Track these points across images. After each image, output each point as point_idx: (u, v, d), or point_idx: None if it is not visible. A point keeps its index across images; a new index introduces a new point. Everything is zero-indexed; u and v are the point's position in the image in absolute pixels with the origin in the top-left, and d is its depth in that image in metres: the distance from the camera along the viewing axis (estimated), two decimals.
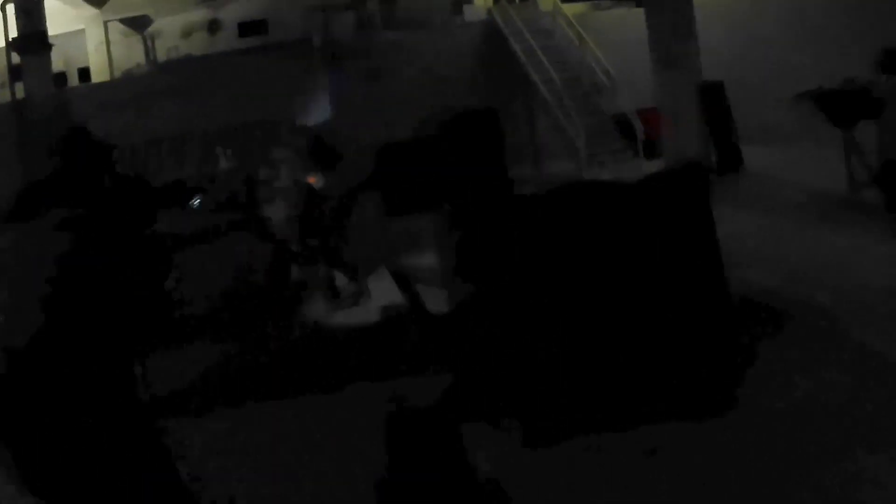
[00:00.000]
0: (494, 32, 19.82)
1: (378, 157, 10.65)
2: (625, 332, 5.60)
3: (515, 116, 19.22)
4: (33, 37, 20.09)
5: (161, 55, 26.29)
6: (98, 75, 24.82)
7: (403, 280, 9.98)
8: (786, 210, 11.75)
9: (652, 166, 16.87)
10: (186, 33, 26.76)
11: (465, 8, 22.27)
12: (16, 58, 20.83)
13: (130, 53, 26.52)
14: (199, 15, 26.62)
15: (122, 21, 25.57)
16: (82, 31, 24.68)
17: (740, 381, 5.80)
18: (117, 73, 25.30)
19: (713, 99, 16.15)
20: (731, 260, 8.84)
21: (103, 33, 24.42)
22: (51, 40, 23.77)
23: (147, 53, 26.60)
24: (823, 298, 7.47)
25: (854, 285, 7.72)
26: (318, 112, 15.80)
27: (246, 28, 26.43)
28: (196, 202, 8.41)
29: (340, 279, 10.12)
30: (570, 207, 5.78)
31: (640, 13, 17.19)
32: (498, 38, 19.60)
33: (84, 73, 26.40)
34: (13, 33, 20.63)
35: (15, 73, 21.30)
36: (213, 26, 26.88)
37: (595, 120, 17.45)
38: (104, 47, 24.36)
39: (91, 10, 23.89)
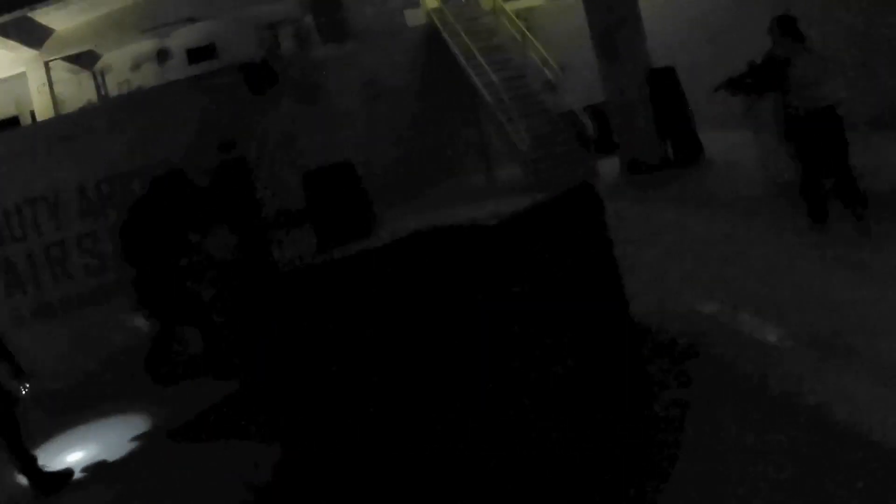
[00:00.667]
0: (436, 36, 18.70)
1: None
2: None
3: (462, 123, 18.18)
4: None
5: (113, 90, 25.45)
6: (43, 117, 23.93)
7: None
8: (747, 208, 10.59)
9: (606, 164, 15.77)
10: (136, 65, 25.92)
11: (407, 13, 21.19)
12: None
13: (81, 91, 25.71)
14: (147, 45, 25.75)
15: (67, 59, 24.66)
16: (24, 73, 23.77)
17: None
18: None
19: (665, 86, 14.94)
20: (672, 284, 7.74)
21: (44, 74, 23.46)
22: None
23: (98, 90, 25.78)
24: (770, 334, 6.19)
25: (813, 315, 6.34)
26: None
27: (195, 54, 25.57)
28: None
29: None
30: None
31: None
32: (439, 42, 18.48)
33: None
34: None
35: None
36: (161, 56, 26.03)
37: (541, 120, 16.28)
38: (47, 88, 23.41)
39: (29, 52, 22.95)
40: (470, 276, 4.64)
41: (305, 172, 15.18)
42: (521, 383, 4.60)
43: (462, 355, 4.52)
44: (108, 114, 17.17)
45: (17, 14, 20.42)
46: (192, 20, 25.03)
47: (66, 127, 16.30)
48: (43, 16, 21.81)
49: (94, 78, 26.04)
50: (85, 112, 21.61)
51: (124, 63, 25.90)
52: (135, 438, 7.72)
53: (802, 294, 6.78)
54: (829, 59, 8.52)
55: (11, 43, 21.87)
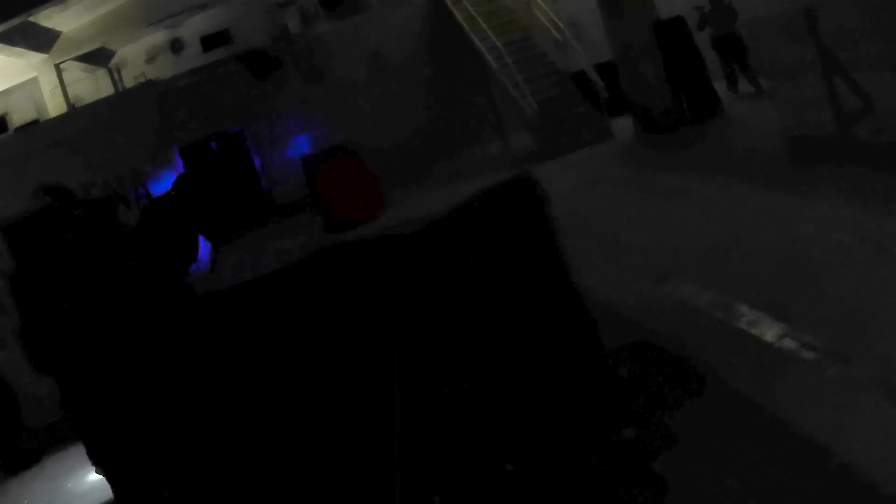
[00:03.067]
0: (438, 4, 18.10)
1: None
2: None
3: (471, 92, 17.64)
4: None
5: (129, 84, 25.35)
6: None
7: None
8: (762, 174, 9.49)
9: (620, 124, 15.15)
10: (151, 58, 25.82)
11: None
12: None
13: (98, 88, 25.66)
14: (160, 36, 25.63)
15: (79, 59, 24.56)
16: (35, 78, 23.73)
17: None
18: None
19: (674, 39, 14.19)
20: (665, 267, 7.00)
21: (56, 76, 23.38)
22: (13, 92, 23.22)
23: (115, 86, 25.71)
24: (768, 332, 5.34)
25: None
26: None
27: (209, 41, 25.37)
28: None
29: None
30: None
31: None
32: (441, 9, 17.88)
33: None
34: None
35: None
36: (176, 46, 25.87)
37: (548, 83, 15.63)
38: (59, 90, 23.33)
39: (38, 56, 22.88)
40: (386, 301, 4.20)
41: (303, 156, 14.83)
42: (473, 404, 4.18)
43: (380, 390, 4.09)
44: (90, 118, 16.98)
45: (18, 20, 20.25)
46: (202, 6, 24.77)
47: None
48: (46, 19, 21.70)
49: (111, 74, 25.97)
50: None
51: (139, 56, 25.86)
52: None
53: (813, 286, 5.74)
54: None
55: (18, 49, 21.84)
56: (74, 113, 21.16)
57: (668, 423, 4.45)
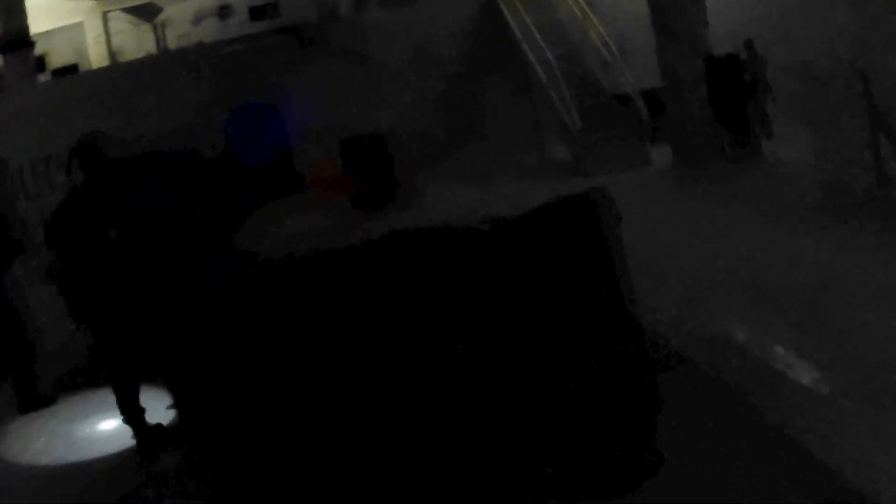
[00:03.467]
0: (491, 8, 18.16)
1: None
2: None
3: (514, 98, 17.66)
4: (13, 35, 19.18)
5: (172, 43, 25.41)
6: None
7: None
8: (800, 215, 9.75)
9: (658, 150, 15.19)
10: (197, 20, 25.84)
11: None
12: None
13: (140, 43, 25.72)
14: (209, 0, 25.66)
15: (127, 10, 24.64)
16: (81, 23, 23.79)
17: None
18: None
19: (724, 74, 14.25)
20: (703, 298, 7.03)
21: (101, 25, 23.44)
22: (55, 34, 23.18)
23: (157, 43, 25.77)
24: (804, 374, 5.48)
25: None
26: None
27: (257, 12, 25.41)
28: None
29: None
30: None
31: None
32: (495, 13, 17.95)
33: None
34: None
35: None
36: (223, 12, 25.94)
37: (594, 101, 15.72)
38: (103, 39, 23.40)
39: (87, 2, 22.93)
40: (454, 290, 4.24)
41: (342, 139, 14.86)
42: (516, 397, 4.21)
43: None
44: (143, 72, 17.03)
45: None
46: None
47: (89, 85, 16.16)
48: None
49: (154, 30, 26.03)
50: (110, 71, 21.52)
51: (185, 17, 25.88)
52: None
53: (851, 332, 5.87)
54: None
55: None
56: (120, 66, 21.21)
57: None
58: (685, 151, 14.39)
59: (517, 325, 4.29)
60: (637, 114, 15.51)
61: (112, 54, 23.97)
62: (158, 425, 6.33)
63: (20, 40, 19.61)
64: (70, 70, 25.55)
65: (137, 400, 6.35)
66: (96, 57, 23.87)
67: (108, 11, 23.92)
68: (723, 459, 4.35)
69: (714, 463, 4.30)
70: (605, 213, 4.56)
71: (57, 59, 25.56)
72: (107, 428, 6.87)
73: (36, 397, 8.05)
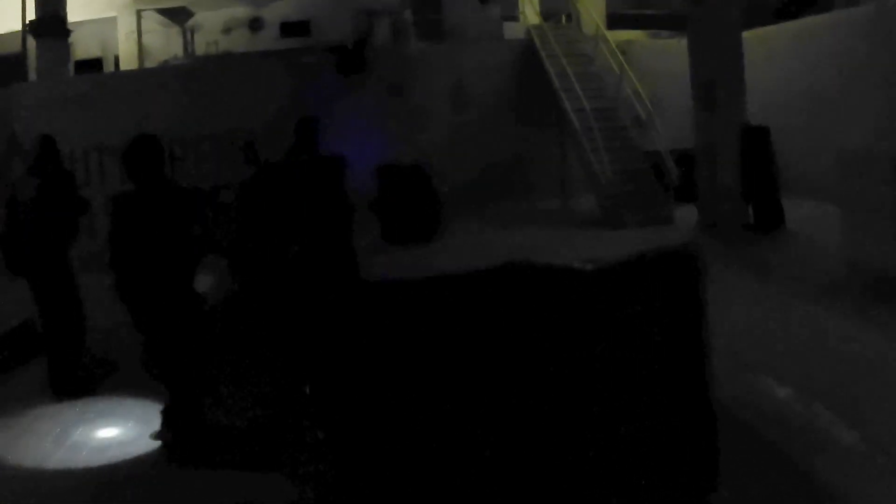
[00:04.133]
0: (532, 52, 18.49)
1: None
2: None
3: (546, 144, 17.95)
4: (49, 21, 19.26)
5: (200, 49, 25.59)
6: (127, 64, 24.11)
7: None
8: (825, 289, 10.11)
9: (683, 210, 15.41)
10: (227, 29, 26.06)
11: (507, 25, 21.05)
12: None
13: (169, 45, 25.88)
14: (242, 11, 25.91)
15: (160, 11, 24.82)
16: (115, 18, 23.92)
17: None
18: (152, 64, 24.61)
19: (756, 146, 14.57)
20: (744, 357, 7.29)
21: (135, 22, 23.58)
22: (84, 26, 23.19)
23: (185, 47, 25.92)
24: (844, 435, 5.75)
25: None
26: None
27: (288, 28, 25.63)
28: None
29: None
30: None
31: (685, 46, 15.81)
32: (535, 58, 18.27)
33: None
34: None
35: None
36: (254, 24, 26.17)
37: (626, 156, 16.01)
38: (135, 36, 23.53)
39: None
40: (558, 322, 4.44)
41: (379, 166, 15.11)
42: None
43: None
44: (188, 74, 17.22)
45: None
46: None
47: (142, 81, 16.31)
48: None
49: (184, 34, 26.19)
50: (167, 68, 21.66)
51: (216, 25, 26.05)
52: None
53: (883, 397, 6.29)
54: None
55: None
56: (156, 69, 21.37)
57: None
58: (710, 216, 14.63)
59: (603, 365, 4.50)
60: (666, 173, 15.77)
61: (141, 53, 24.11)
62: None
63: (56, 26, 19.70)
64: (94, 64, 25.69)
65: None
66: (126, 53, 24.00)
67: (142, 10, 24.04)
68: None
69: None
70: (693, 268, 4.85)
71: (81, 51, 25.66)
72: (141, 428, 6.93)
73: (74, 384, 8.10)
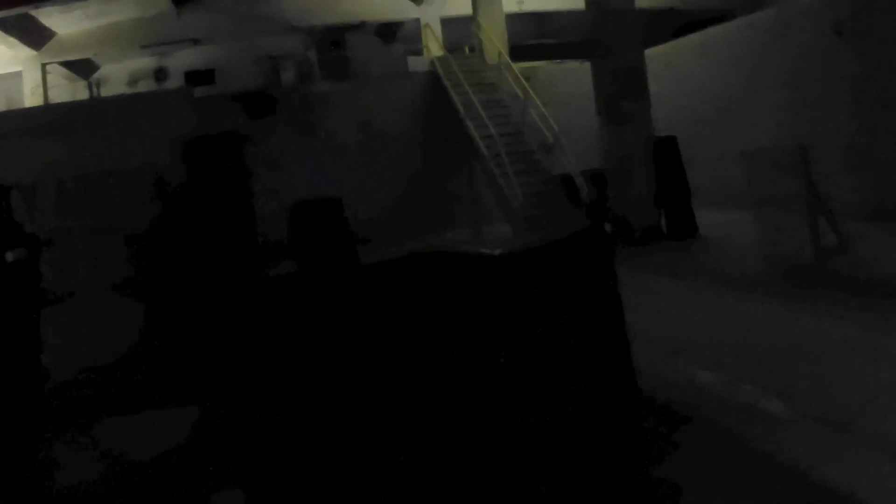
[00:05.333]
0: (437, 84, 18.60)
1: None
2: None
3: (455, 174, 18.04)
4: None
5: None
6: None
7: None
8: (742, 284, 10.40)
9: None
10: (133, 80, 25.81)
11: (411, 59, 21.21)
12: None
13: (75, 99, 25.45)
14: (146, 62, 25.67)
15: (65, 65, 24.43)
16: (20, 72, 23.46)
17: None
18: None
19: (665, 156, 14.82)
20: (668, 347, 7.42)
21: (40, 76, 23.15)
22: None
23: None
24: (771, 405, 5.93)
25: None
26: None
27: (193, 77, 25.45)
28: None
29: None
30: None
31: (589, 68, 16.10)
32: (440, 90, 18.38)
33: None
34: None
35: None
36: (160, 75, 25.92)
37: (536, 179, 16.12)
38: (41, 90, 23.09)
39: (28, 51, 22.64)
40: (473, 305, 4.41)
41: (293, 203, 14.95)
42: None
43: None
44: (96, 112, 16.95)
45: (20, 10, 20.11)
46: (195, 42, 24.91)
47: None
48: (46, 17, 21.57)
49: (90, 88, 25.84)
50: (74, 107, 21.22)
51: (121, 77, 25.79)
52: None
53: (809, 373, 6.53)
54: None
55: (11, 40, 21.58)
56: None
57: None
58: (626, 233, 14.79)
59: (522, 342, 4.47)
60: (577, 192, 15.89)
61: None
62: None
63: None
64: None
65: None
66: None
67: (47, 63, 23.61)
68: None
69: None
70: (602, 243, 4.92)
71: None
72: None
73: None
